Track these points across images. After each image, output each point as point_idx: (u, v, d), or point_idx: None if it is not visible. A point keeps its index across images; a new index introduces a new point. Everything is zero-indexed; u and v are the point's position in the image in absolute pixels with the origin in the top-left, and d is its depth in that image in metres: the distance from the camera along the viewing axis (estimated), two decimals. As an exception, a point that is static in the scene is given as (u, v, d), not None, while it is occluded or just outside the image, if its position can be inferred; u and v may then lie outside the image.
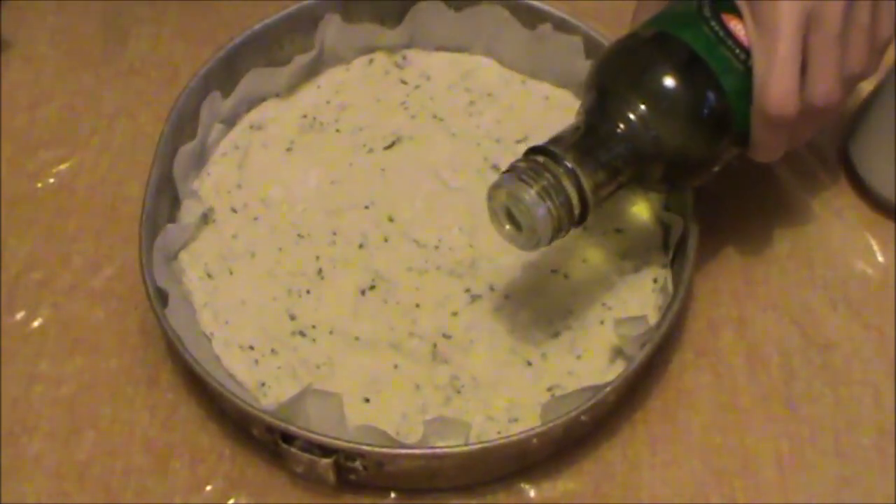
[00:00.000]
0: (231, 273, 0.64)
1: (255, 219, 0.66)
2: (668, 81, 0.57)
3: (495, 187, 0.56)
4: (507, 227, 0.57)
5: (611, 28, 0.67)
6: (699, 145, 0.59)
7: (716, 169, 0.60)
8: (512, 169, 0.56)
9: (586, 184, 0.55)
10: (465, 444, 0.57)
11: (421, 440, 0.57)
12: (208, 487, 0.59)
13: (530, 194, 0.55)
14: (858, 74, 0.59)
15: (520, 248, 0.57)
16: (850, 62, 0.58)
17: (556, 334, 0.62)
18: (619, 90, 0.58)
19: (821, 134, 0.70)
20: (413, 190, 0.67)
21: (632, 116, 0.57)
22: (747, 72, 0.58)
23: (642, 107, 0.57)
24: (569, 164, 0.55)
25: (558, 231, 0.56)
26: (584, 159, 0.56)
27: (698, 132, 0.58)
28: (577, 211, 0.56)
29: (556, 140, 0.57)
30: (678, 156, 0.58)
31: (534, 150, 0.56)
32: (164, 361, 0.63)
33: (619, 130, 0.57)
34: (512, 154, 0.67)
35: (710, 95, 0.57)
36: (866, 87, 0.69)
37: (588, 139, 0.57)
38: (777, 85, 0.56)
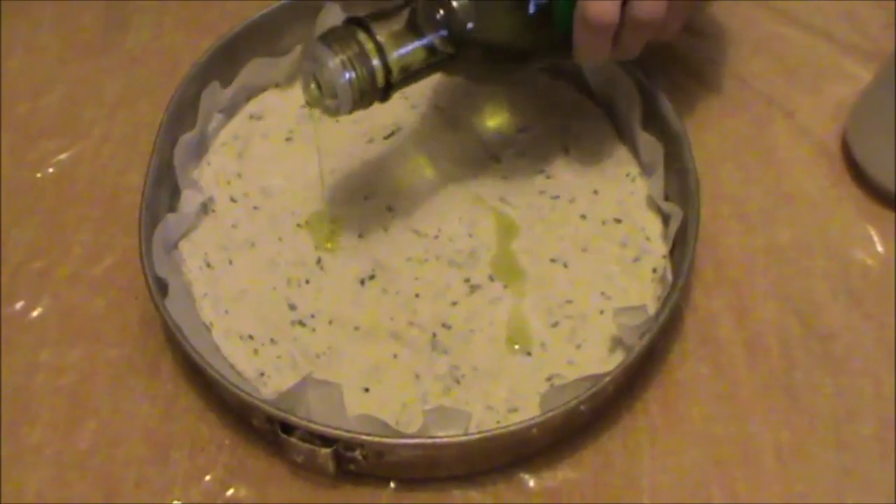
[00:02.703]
0: (231, 263, 0.64)
1: (255, 208, 0.66)
2: None
3: (307, 51, 0.58)
4: (312, 86, 0.58)
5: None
6: (516, 42, 0.59)
7: (532, 65, 0.62)
8: (328, 33, 0.57)
9: (393, 61, 0.56)
10: (465, 434, 0.57)
11: (420, 430, 0.57)
12: (208, 477, 0.59)
13: (334, 62, 0.56)
14: None
15: (323, 113, 0.58)
16: None
17: (555, 324, 0.62)
18: None
19: (821, 125, 0.70)
20: (413, 180, 0.67)
21: (454, 4, 0.57)
22: None
23: None
24: (380, 39, 0.56)
25: (359, 101, 0.57)
26: (398, 37, 0.57)
27: (517, 29, 0.59)
28: (380, 85, 0.57)
29: (377, 14, 0.58)
30: (490, 50, 0.59)
31: (352, 20, 0.57)
32: (164, 351, 0.63)
33: (438, 16, 0.57)
34: (512, 145, 0.68)
35: None
36: (867, 77, 0.69)
37: (407, 18, 0.57)
38: None
